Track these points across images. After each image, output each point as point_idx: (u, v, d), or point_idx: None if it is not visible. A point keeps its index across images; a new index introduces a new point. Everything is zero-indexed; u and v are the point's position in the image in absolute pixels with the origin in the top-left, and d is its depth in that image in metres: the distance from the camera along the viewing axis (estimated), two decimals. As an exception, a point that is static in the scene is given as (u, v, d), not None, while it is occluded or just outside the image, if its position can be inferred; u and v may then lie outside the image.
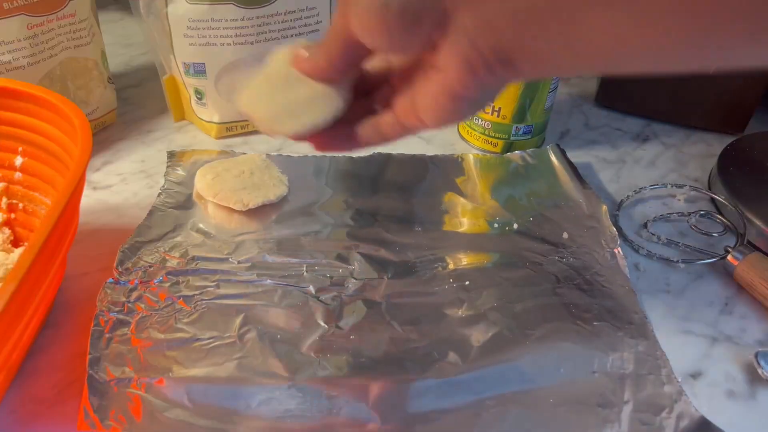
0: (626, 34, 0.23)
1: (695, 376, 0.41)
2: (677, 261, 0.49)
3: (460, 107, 0.29)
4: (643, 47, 0.24)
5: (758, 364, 0.41)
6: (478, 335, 0.41)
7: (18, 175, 0.45)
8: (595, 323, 0.42)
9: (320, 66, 0.33)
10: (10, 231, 0.45)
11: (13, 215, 0.45)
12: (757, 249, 0.48)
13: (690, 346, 0.43)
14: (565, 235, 0.50)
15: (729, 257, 0.47)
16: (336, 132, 0.35)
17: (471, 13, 0.26)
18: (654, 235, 0.51)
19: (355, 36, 0.29)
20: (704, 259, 0.49)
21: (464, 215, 0.52)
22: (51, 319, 0.41)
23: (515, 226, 0.50)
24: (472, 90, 0.28)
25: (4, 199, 0.45)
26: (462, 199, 0.53)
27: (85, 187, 0.52)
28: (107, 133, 0.60)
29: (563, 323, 0.42)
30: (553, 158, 0.57)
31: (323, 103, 0.34)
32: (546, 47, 0.26)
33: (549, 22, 0.25)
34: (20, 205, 0.45)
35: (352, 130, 0.35)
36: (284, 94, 0.35)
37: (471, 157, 0.58)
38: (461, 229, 0.50)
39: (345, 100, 0.34)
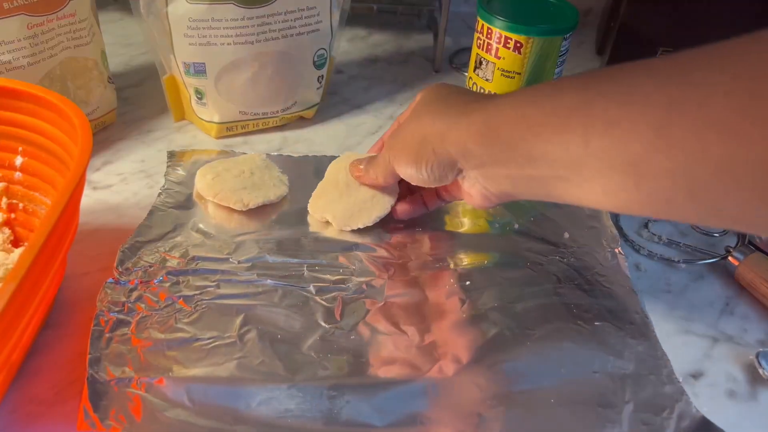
0: (589, 199, 0.33)
1: (696, 376, 0.41)
2: (678, 261, 0.49)
3: (489, 206, 0.41)
4: (599, 207, 0.35)
5: (759, 364, 0.41)
6: (478, 335, 0.41)
7: (18, 175, 0.45)
8: (596, 323, 0.42)
9: (378, 182, 0.47)
10: (10, 231, 0.45)
11: (13, 215, 0.45)
12: (758, 249, 0.48)
13: (691, 346, 0.43)
14: (566, 235, 0.50)
15: (730, 257, 0.47)
16: (409, 203, 0.49)
17: (479, 173, 0.38)
18: (655, 235, 0.51)
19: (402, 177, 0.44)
20: (705, 259, 0.49)
21: (465, 215, 0.52)
22: (51, 319, 0.41)
23: (516, 226, 0.50)
24: (492, 205, 0.41)
25: (4, 199, 0.45)
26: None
27: (85, 187, 0.52)
28: (107, 133, 0.60)
29: (564, 323, 0.42)
30: None
31: (384, 199, 0.49)
32: (536, 195, 0.36)
33: (532, 186, 0.36)
34: (20, 205, 0.45)
35: (416, 198, 0.49)
36: (351, 197, 0.49)
37: None
38: (462, 230, 0.50)
39: (396, 193, 0.49)
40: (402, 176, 0.43)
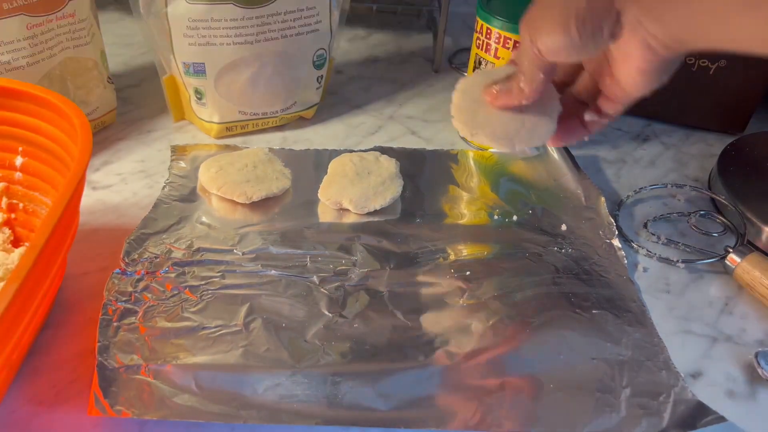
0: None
1: (695, 376, 0.41)
2: (677, 261, 0.49)
3: (651, 78, 0.34)
4: None
5: (758, 363, 0.41)
6: (478, 324, 0.42)
7: (18, 175, 0.45)
8: (594, 311, 0.43)
9: (522, 91, 0.38)
10: (10, 231, 0.45)
11: (13, 215, 0.45)
12: (757, 249, 0.48)
13: (690, 346, 0.43)
14: (564, 227, 0.50)
15: (729, 257, 0.47)
16: (563, 127, 0.40)
17: (644, 10, 0.31)
18: (654, 235, 0.51)
19: (549, 59, 0.35)
20: (704, 259, 0.49)
21: (465, 207, 0.52)
22: (51, 319, 0.41)
23: (515, 217, 0.51)
24: (656, 64, 0.33)
25: (5, 199, 0.45)
26: (462, 192, 0.54)
27: (85, 187, 0.52)
28: (107, 133, 0.60)
29: (563, 311, 0.43)
30: (552, 151, 0.58)
31: (549, 120, 0.40)
32: (710, 38, 0.30)
33: (708, 24, 0.29)
34: (20, 205, 0.45)
35: (573, 121, 0.40)
36: (363, 183, 0.51)
37: (470, 151, 0.59)
38: (462, 221, 0.51)
39: (558, 113, 0.40)
40: (547, 48, 0.34)
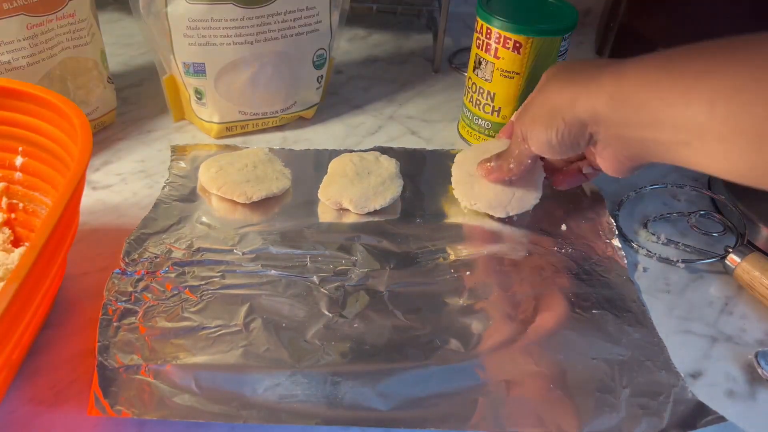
0: (710, 165, 0.34)
1: (695, 375, 0.41)
2: (677, 261, 0.49)
3: (624, 173, 0.43)
4: (720, 174, 0.34)
5: (758, 363, 0.41)
6: (478, 323, 0.42)
7: (18, 175, 0.45)
8: (593, 311, 0.43)
9: (511, 170, 0.48)
10: (10, 231, 0.45)
11: (13, 215, 0.45)
12: (757, 249, 0.48)
13: (690, 345, 0.43)
14: (564, 227, 0.51)
15: (729, 257, 0.47)
16: (566, 176, 0.51)
17: (609, 135, 0.40)
18: (654, 234, 0.51)
19: (536, 153, 0.45)
20: (704, 259, 0.49)
21: (465, 207, 0.52)
22: (51, 319, 0.41)
23: (515, 217, 0.51)
24: (625, 169, 0.42)
25: (5, 199, 0.45)
26: None
27: (85, 187, 0.52)
28: (107, 133, 0.60)
29: (563, 311, 0.43)
30: None
31: (535, 189, 0.50)
32: (663, 158, 0.37)
33: (659, 150, 0.37)
34: (20, 205, 0.45)
35: (573, 170, 0.51)
36: (363, 183, 0.52)
37: None
38: (462, 221, 0.51)
39: (543, 179, 0.50)
40: (536, 149, 0.44)
